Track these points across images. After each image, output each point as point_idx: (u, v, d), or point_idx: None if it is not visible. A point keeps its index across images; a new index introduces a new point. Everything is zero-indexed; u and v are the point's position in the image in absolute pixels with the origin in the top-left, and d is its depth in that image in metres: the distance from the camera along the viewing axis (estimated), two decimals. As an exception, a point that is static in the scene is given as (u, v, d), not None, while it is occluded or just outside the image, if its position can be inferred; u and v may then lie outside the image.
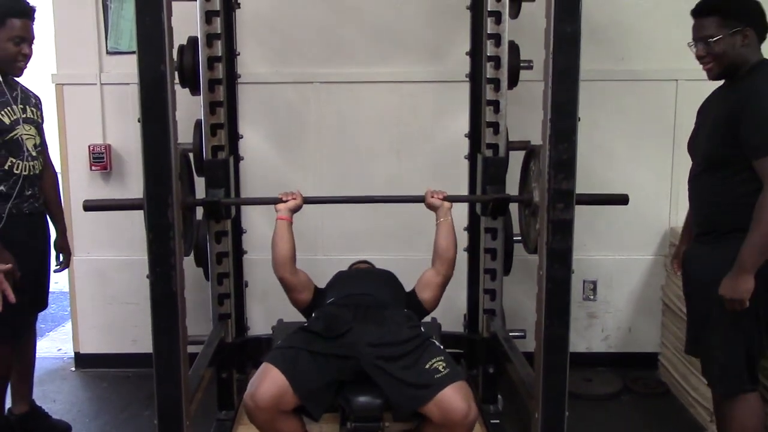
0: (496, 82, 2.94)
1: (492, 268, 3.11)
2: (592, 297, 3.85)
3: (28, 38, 2.69)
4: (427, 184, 3.70)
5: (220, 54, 2.90)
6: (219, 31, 2.87)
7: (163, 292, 2.03)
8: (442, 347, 2.43)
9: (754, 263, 2.19)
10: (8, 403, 3.04)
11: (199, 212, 2.89)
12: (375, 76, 3.67)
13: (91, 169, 3.70)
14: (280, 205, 2.72)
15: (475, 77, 3.13)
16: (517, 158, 2.89)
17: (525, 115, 3.38)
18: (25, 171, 2.82)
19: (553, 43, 1.98)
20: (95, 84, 3.67)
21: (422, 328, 2.53)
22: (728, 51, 2.28)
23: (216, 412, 3.10)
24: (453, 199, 2.79)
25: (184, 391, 2.10)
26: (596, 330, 3.89)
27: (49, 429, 3.14)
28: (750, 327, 2.32)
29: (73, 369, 3.93)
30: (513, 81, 3.12)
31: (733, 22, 2.26)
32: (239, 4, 3.24)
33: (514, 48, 3.09)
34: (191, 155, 2.93)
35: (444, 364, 2.31)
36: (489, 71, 2.94)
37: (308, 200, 2.78)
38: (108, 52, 3.68)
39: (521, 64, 3.11)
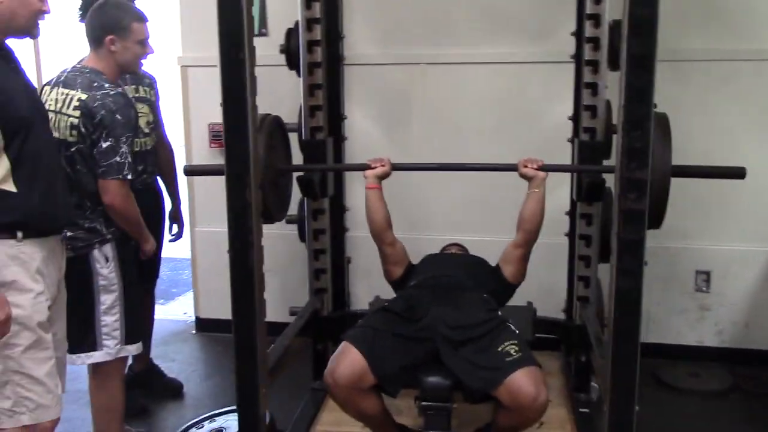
0: (594, 64, 2.85)
1: (587, 255, 3.04)
2: (704, 288, 3.66)
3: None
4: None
5: (319, 38, 2.99)
6: (318, 16, 2.97)
7: (241, 268, 2.15)
8: (517, 331, 2.42)
9: None
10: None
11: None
12: (480, 57, 3.65)
13: (210, 146, 3.95)
14: (368, 172, 2.71)
15: (579, 59, 3.05)
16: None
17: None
18: (137, 147, 2.97)
19: (628, 26, 1.90)
20: (216, 66, 3.88)
21: (500, 312, 2.52)
22: None
23: (311, 381, 3.24)
24: (549, 168, 2.65)
25: (259, 361, 2.22)
26: (709, 323, 3.70)
27: (164, 386, 3.43)
28: None
29: (194, 332, 4.24)
30: (617, 63, 3.02)
31: None
32: (344, -12, 3.33)
33: (618, 28, 2.98)
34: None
35: (516, 348, 2.30)
36: (587, 52, 2.85)
37: (397, 167, 2.75)
38: (227, 36, 3.88)
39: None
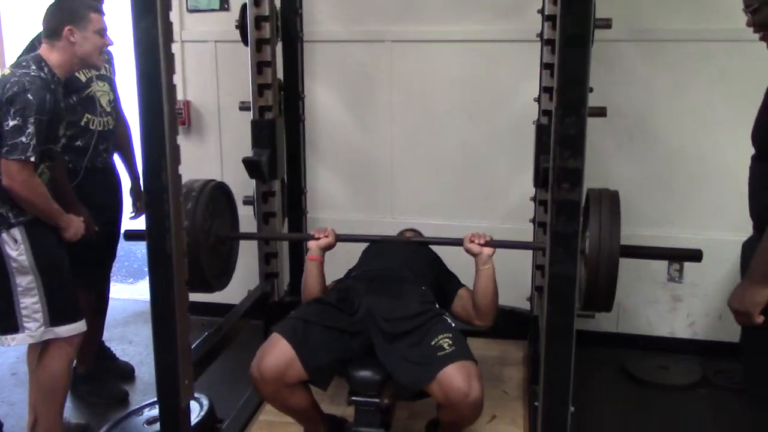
0: (552, 44, 2.70)
1: (544, 243, 2.90)
2: (677, 278, 3.53)
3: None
4: (500, 150, 3.57)
5: (267, 13, 2.86)
6: (266, -10, 2.84)
7: (158, 253, 2.05)
8: (453, 324, 2.31)
9: (765, 273, 1.88)
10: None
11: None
12: (448, 35, 3.50)
13: (171, 124, 3.82)
14: (311, 243, 2.59)
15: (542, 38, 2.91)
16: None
17: (608, 79, 3.14)
18: (99, 127, 2.96)
19: (561, 4, 1.77)
20: (177, 42, 3.77)
21: (437, 305, 2.41)
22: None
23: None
24: (496, 244, 2.49)
25: (180, 352, 2.12)
26: (681, 314, 3.58)
27: (114, 369, 3.35)
28: None
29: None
30: None
31: None
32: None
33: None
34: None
35: (450, 342, 2.20)
36: (546, 31, 2.71)
37: (341, 238, 2.60)
38: (188, 10, 3.76)
39: (597, 23, 2.86)
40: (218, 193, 2.61)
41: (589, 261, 2.13)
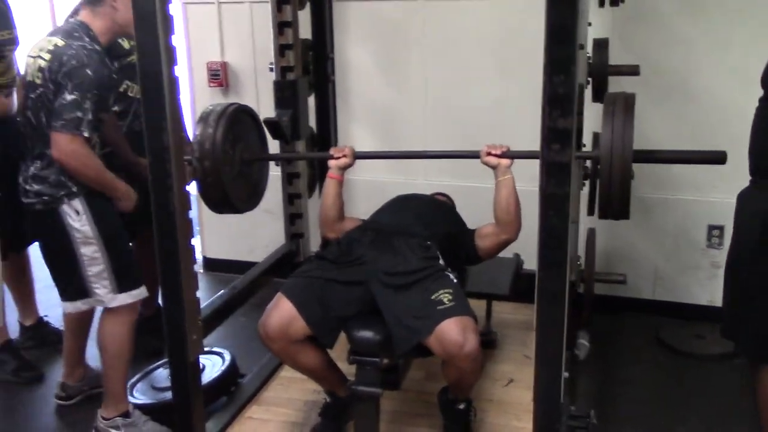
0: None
1: (565, 207, 2.84)
2: (717, 244, 3.40)
3: None
4: (532, 108, 3.47)
5: (287, -28, 2.87)
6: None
7: (161, 210, 2.10)
8: (455, 281, 2.30)
9: None
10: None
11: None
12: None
13: (209, 86, 3.90)
14: (331, 162, 2.60)
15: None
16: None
17: (645, 37, 3.01)
18: (138, 95, 2.98)
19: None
20: (213, 3, 3.82)
21: (441, 261, 2.39)
22: None
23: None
24: (514, 155, 2.45)
25: (187, 308, 2.18)
26: (721, 282, 3.41)
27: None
28: None
29: (201, 271, 4.28)
30: None
31: None
32: None
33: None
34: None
35: (450, 297, 2.20)
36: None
37: (359, 155, 2.63)
38: (225, -28, 3.80)
39: (630, -23, 2.77)
40: (242, 116, 2.51)
41: (603, 164, 2.01)
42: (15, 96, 2.98)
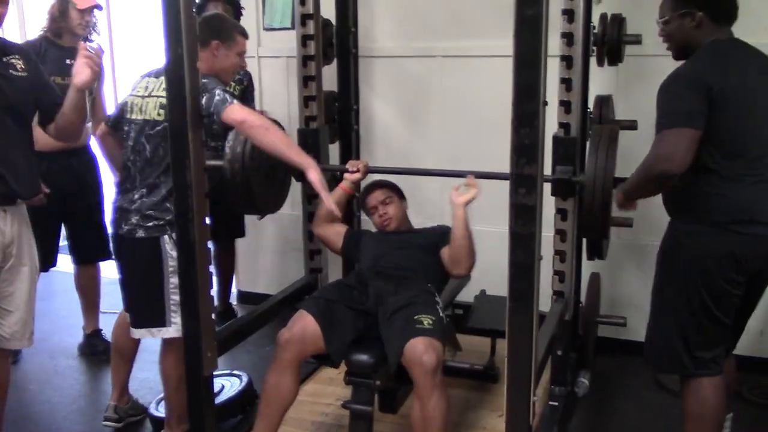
0: (568, 60, 2.85)
1: (562, 250, 3.04)
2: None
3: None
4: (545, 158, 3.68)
5: (312, 32, 3.18)
6: (311, 12, 3.16)
7: (183, 240, 2.40)
8: (441, 313, 2.56)
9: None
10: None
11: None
12: (494, 50, 3.66)
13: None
14: (347, 175, 2.96)
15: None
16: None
17: (642, 93, 3.24)
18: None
19: (515, 24, 1.95)
20: (254, 57, 4.17)
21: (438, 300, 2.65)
22: (676, 33, 2.36)
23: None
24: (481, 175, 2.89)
25: (203, 327, 2.46)
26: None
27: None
28: (681, 309, 2.44)
29: (236, 304, 4.57)
30: (615, 56, 3.04)
31: (681, 3, 2.30)
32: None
33: (615, 21, 2.98)
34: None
35: (430, 321, 2.44)
36: (562, 48, 2.85)
37: (372, 170, 2.99)
38: (264, 29, 4.16)
39: (626, 39, 3.01)
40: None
41: (586, 188, 2.50)
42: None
